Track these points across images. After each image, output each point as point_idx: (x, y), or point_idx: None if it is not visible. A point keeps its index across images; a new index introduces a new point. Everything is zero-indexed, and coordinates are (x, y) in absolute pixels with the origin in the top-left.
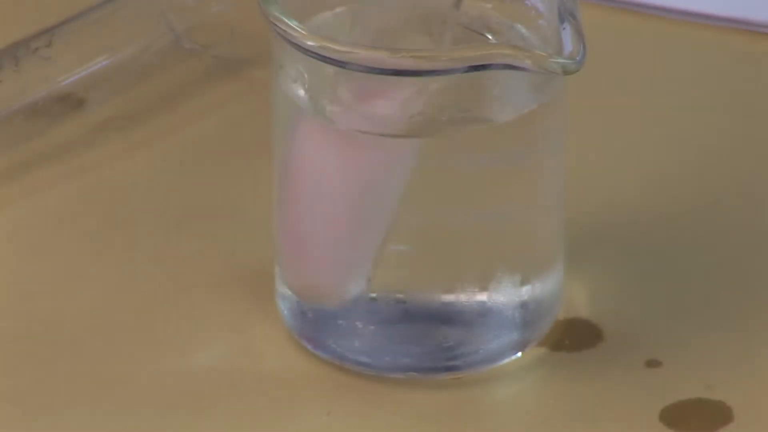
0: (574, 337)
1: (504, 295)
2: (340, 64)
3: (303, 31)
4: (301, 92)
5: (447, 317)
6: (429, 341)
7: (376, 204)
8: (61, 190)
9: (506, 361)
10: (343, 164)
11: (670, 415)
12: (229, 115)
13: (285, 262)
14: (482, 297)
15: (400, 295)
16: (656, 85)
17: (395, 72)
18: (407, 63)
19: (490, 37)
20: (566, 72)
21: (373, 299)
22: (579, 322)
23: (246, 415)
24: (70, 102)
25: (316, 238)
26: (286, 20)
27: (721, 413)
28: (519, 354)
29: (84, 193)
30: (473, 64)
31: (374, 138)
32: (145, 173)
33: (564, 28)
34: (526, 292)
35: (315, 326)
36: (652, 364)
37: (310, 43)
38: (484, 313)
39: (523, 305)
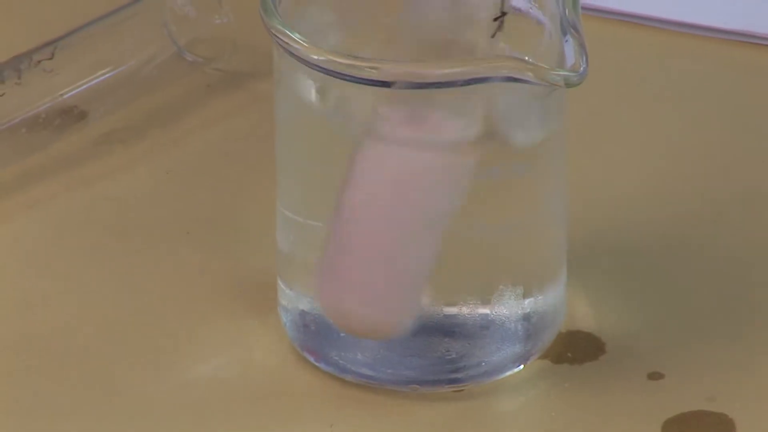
0: (576, 350)
1: (507, 307)
2: (341, 76)
3: (306, 44)
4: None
5: (450, 330)
6: (432, 354)
7: (428, 230)
8: (64, 202)
9: (509, 373)
10: (394, 188)
11: (673, 427)
12: (231, 128)
13: (335, 300)
14: (485, 310)
15: None
16: (658, 97)
17: (401, 84)
18: (411, 74)
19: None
20: (568, 85)
21: None
22: (581, 334)
23: (248, 427)
24: (72, 115)
25: (371, 269)
26: (289, 33)
27: (724, 425)
28: (521, 366)
29: (86, 206)
30: (476, 76)
31: (427, 157)
32: (147, 186)
33: (566, 41)
34: (528, 304)
35: (317, 339)
36: (655, 376)
37: (313, 56)
38: (486, 325)
39: (526, 318)
